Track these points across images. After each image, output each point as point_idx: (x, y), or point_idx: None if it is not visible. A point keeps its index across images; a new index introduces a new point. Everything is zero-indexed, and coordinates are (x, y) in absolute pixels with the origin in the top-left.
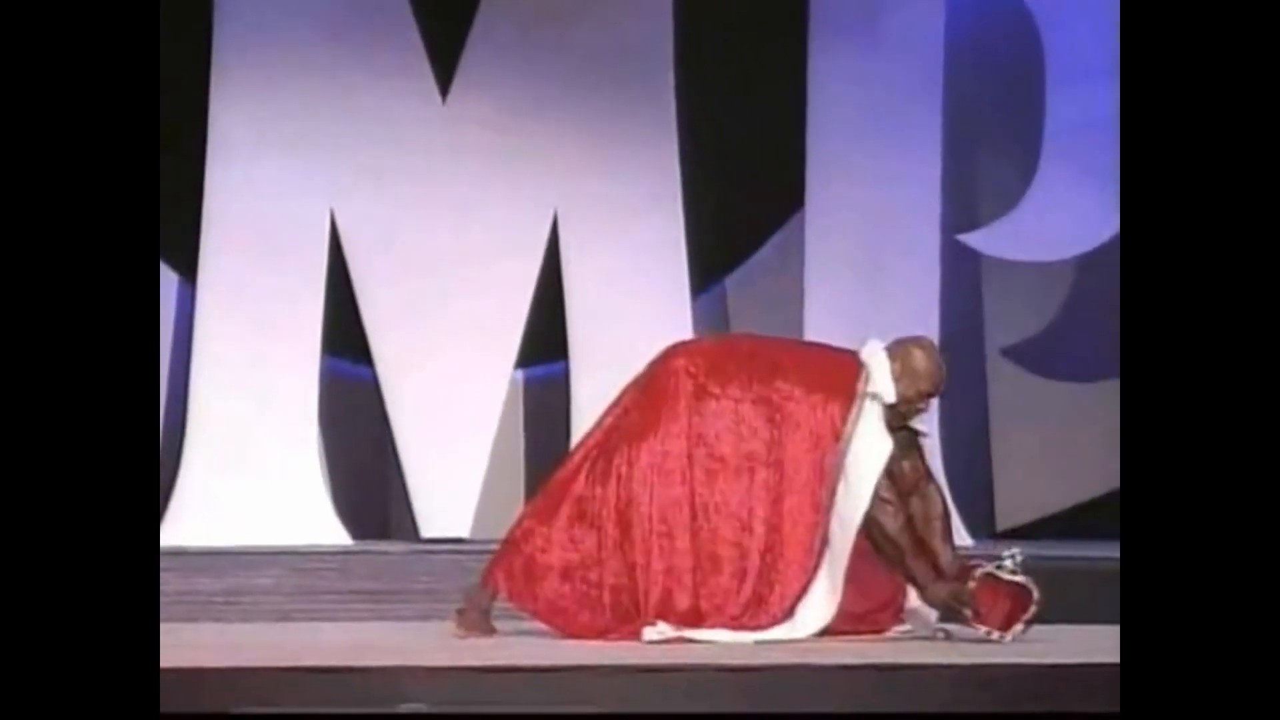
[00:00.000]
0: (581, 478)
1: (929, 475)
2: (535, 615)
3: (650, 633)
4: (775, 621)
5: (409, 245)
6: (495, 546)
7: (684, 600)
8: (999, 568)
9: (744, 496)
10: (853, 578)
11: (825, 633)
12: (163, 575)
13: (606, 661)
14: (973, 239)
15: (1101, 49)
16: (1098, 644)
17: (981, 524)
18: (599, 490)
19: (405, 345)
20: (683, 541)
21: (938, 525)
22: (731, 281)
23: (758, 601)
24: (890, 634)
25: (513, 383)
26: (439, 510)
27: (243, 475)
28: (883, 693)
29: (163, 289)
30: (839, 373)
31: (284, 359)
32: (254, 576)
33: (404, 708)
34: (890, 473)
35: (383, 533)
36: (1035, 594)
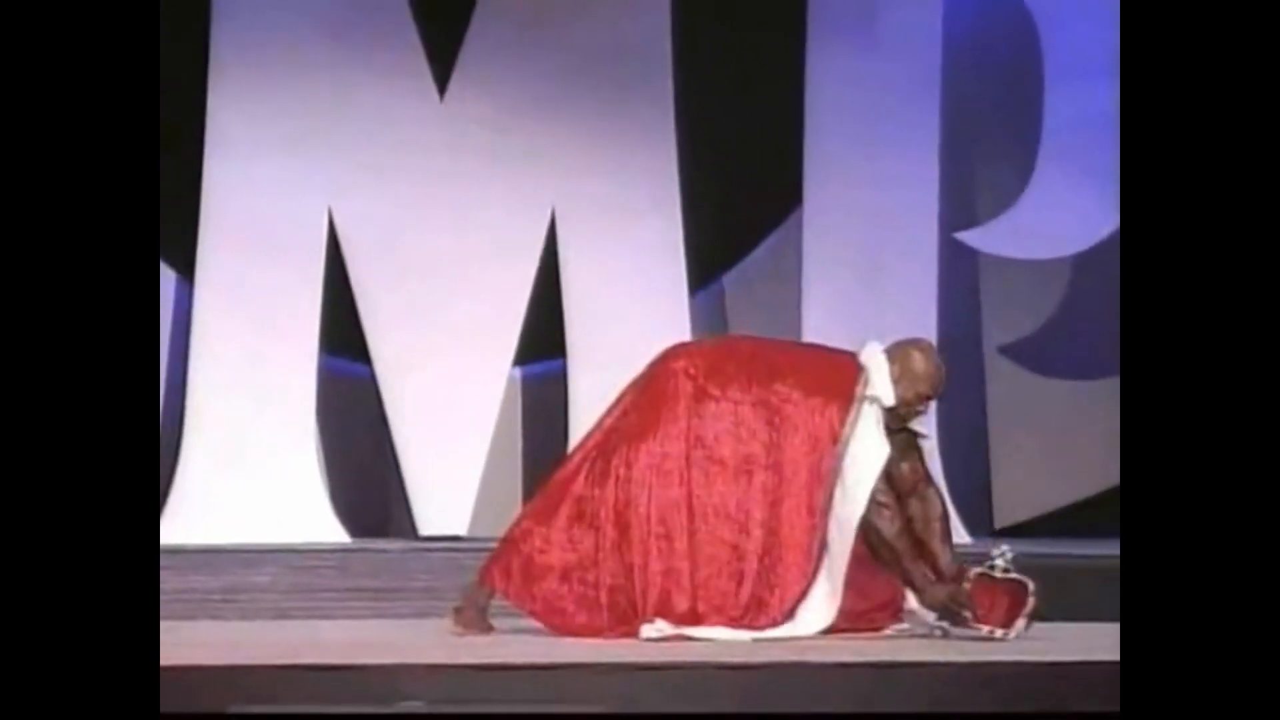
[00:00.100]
0: (580, 478)
1: (928, 477)
2: (533, 615)
3: (649, 630)
4: (775, 624)
5: (407, 244)
6: (493, 544)
7: (682, 602)
8: (990, 568)
9: (742, 499)
10: (851, 578)
11: (825, 632)
12: (161, 573)
13: (604, 659)
14: (971, 237)
15: (1100, 48)
16: (1097, 642)
17: (980, 522)
18: (597, 491)
19: (403, 344)
20: (681, 543)
21: (937, 527)
22: (729, 280)
23: (758, 604)
24: (888, 632)
25: (511, 381)
26: (437, 508)
27: (241, 473)
28: (882, 691)
29: (161, 287)
30: (838, 376)
31: (282, 357)
32: (252, 574)
33: (402, 705)
34: (889, 475)
35: (381, 531)
36: (1031, 586)
